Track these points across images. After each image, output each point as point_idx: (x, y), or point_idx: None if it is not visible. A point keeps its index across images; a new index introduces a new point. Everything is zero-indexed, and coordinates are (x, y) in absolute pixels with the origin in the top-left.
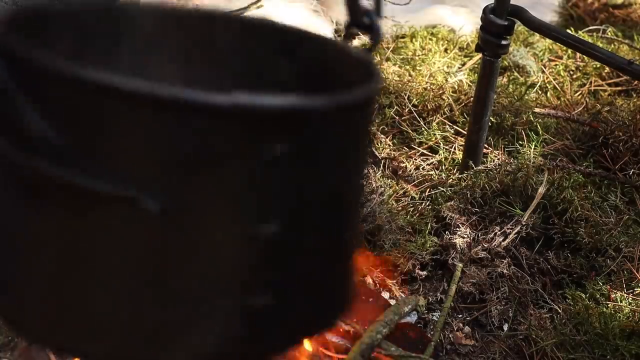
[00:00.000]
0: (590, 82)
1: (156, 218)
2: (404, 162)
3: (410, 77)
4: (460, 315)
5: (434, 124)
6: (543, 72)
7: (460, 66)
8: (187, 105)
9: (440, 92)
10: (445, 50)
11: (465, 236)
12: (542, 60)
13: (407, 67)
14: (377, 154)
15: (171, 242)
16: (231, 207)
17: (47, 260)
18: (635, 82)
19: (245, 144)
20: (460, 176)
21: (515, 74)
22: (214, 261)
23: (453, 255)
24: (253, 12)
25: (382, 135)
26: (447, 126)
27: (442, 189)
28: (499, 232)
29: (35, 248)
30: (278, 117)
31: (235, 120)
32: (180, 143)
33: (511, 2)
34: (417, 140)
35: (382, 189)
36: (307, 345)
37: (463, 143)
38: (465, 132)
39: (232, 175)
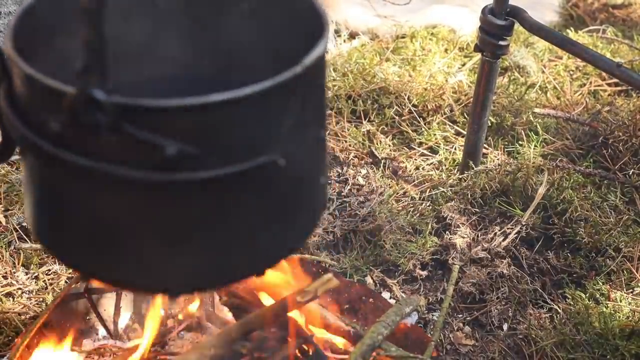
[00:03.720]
0: (590, 82)
1: (289, 167)
2: (404, 162)
3: (410, 78)
4: (460, 315)
5: (434, 124)
6: (543, 72)
7: (460, 66)
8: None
9: (441, 92)
10: (445, 50)
11: (465, 236)
12: (542, 61)
13: (407, 67)
14: (377, 154)
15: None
16: (316, 128)
17: (204, 234)
18: None
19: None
20: (460, 176)
21: (516, 74)
22: (317, 161)
23: (453, 255)
24: None
25: (382, 135)
26: (447, 126)
27: (442, 189)
28: (499, 232)
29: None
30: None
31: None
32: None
33: (512, 3)
34: (417, 140)
35: (382, 189)
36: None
37: (463, 143)
38: (466, 133)
39: (313, 114)
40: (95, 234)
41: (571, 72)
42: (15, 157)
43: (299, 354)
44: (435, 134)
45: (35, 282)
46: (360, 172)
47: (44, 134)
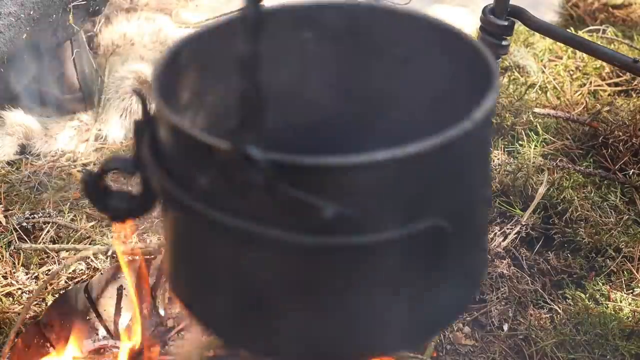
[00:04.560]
0: (590, 82)
1: (454, 231)
2: None
3: None
4: (460, 315)
5: None
6: (543, 72)
7: None
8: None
9: None
10: None
11: None
12: (542, 61)
13: None
14: None
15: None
16: (482, 187)
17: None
18: (635, 82)
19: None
20: None
21: (516, 74)
22: (482, 223)
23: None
24: None
25: None
26: None
27: None
28: (499, 232)
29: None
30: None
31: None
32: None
33: (511, 2)
34: None
35: None
36: None
37: None
38: None
39: (479, 172)
40: (241, 299)
41: (571, 72)
42: (15, 158)
43: None
44: None
45: (35, 282)
46: None
47: (189, 189)
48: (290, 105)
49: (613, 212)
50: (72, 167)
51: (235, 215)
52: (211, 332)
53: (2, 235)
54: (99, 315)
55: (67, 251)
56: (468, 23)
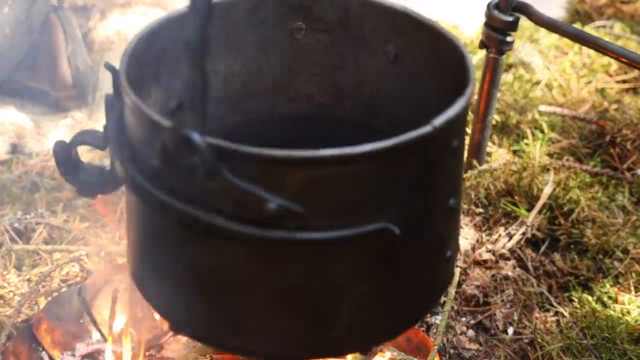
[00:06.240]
0: (597, 79)
1: (406, 236)
2: None
3: None
4: (464, 319)
5: None
6: (549, 69)
7: None
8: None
9: None
10: None
11: (469, 237)
12: (547, 57)
13: None
14: None
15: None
16: (445, 195)
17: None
18: None
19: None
20: (464, 176)
21: (521, 71)
22: (444, 231)
23: (457, 257)
24: None
25: None
26: None
27: None
28: (504, 233)
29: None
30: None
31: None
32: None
33: None
34: None
35: None
36: None
37: (467, 142)
38: (470, 131)
39: (442, 180)
40: (183, 282)
41: (577, 69)
42: (6, 157)
43: None
44: None
45: (28, 284)
46: None
47: (143, 168)
48: (278, 95)
49: (621, 213)
50: None
51: (180, 199)
52: (161, 315)
53: None
54: (92, 319)
55: (60, 252)
56: (472, 18)
